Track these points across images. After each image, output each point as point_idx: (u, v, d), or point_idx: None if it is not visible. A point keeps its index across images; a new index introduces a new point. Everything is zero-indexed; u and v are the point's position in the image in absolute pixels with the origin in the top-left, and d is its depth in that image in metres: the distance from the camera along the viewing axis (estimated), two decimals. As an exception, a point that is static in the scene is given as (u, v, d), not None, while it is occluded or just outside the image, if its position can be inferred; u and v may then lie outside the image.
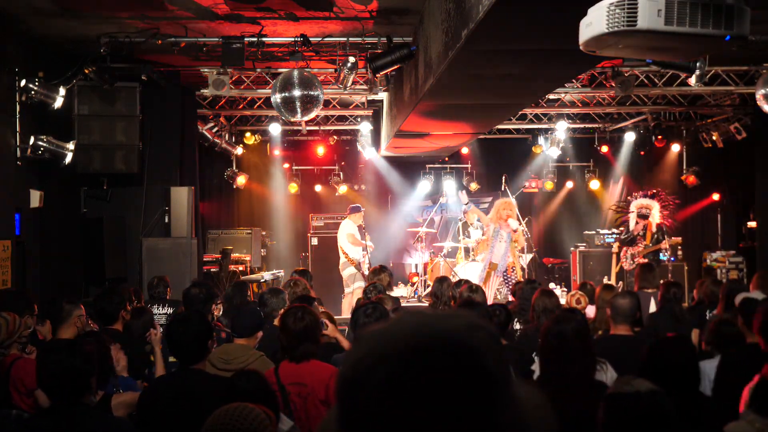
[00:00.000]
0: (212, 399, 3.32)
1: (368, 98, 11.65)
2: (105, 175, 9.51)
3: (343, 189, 14.50)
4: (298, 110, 7.94)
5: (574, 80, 10.82)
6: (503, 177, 13.28)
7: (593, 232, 13.69)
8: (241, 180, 13.81)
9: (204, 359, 3.76)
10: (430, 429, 0.93)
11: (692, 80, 9.43)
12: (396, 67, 7.95)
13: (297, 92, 7.87)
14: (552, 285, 12.23)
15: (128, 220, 9.95)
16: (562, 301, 7.39)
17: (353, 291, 11.18)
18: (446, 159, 14.63)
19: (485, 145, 14.80)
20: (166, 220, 9.93)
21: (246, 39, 8.19)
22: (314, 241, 12.81)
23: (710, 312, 6.27)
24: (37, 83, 8.00)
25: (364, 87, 10.09)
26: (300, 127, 13.26)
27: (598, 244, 13.38)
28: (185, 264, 9.57)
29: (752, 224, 13.02)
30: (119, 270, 9.63)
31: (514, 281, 9.44)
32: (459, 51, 5.62)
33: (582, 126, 14.00)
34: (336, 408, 0.99)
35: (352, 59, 8.38)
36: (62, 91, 8.29)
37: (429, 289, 9.89)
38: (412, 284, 12.97)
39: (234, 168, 13.83)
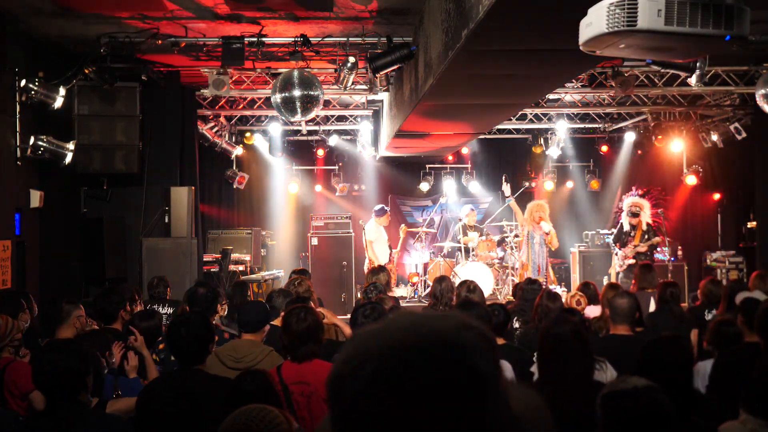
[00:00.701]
0: (212, 399, 3.32)
1: (368, 98, 11.65)
2: (105, 175, 9.51)
3: (343, 189, 14.50)
4: (298, 110, 7.94)
5: (574, 80, 10.81)
6: (503, 177, 13.29)
7: (593, 232, 13.69)
8: (241, 180, 13.81)
9: (204, 360, 3.76)
10: (416, 428, 0.92)
11: (692, 80, 9.42)
12: (396, 67, 7.95)
13: (297, 92, 7.87)
14: (552, 285, 12.24)
15: (128, 220, 9.95)
16: (563, 300, 7.39)
17: None
18: (452, 158, 14.65)
19: (485, 145, 14.80)
20: (166, 220, 9.93)
21: (246, 39, 8.18)
22: (314, 241, 12.80)
23: (710, 312, 6.28)
24: (37, 83, 8.00)
25: (364, 87, 10.09)
26: (300, 127, 13.26)
27: (598, 244, 13.38)
28: (185, 264, 9.57)
29: (752, 224, 13.03)
30: (119, 270, 9.63)
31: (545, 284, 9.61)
32: (459, 51, 5.62)
33: (582, 126, 13.99)
34: (329, 407, 1.00)
35: (352, 59, 8.38)
36: (62, 91, 8.29)
37: (429, 290, 9.90)
38: (412, 284, 12.98)
39: (234, 168, 13.82)
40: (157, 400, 3.61)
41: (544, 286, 9.40)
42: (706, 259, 14.03)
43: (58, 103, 8.27)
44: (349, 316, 5.58)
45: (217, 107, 12.02)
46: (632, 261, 10.63)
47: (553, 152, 13.87)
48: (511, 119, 12.99)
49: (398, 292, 12.27)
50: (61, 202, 9.18)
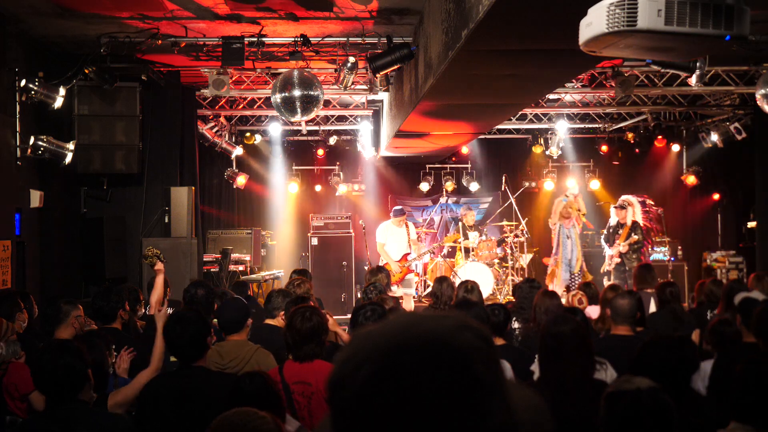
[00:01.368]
0: (214, 396, 3.32)
1: (368, 98, 11.65)
2: (105, 175, 9.51)
3: (342, 189, 14.50)
4: (298, 110, 7.94)
5: (574, 80, 10.82)
6: (503, 177, 13.30)
7: (593, 232, 13.69)
8: (241, 180, 13.79)
9: (204, 356, 3.75)
10: (415, 428, 0.92)
11: (692, 80, 9.42)
12: (396, 67, 7.95)
13: (297, 92, 7.86)
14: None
15: (128, 220, 9.94)
16: (563, 300, 7.38)
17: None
18: (453, 159, 14.65)
19: (485, 145, 14.80)
20: (166, 220, 9.93)
21: (246, 39, 8.18)
22: (314, 241, 12.79)
23: (712, 312, 6.27)
24: (37, 83, 8.00)
25: (364, 87, 10.09)
26: (300, 127, 13.26)
27: (598, 244, 13.37)
28: (185, 264, 9.57)
29: (752, 224, 13.02)
30: (119, 270, 9.63)
31: (579, 281, 9.55)
32: (459, 51, 5.62)
33: (582, 126, 13.99)
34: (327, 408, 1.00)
35: (352, 59, 8.37)
36: (62, 91, 8.28)
37: (429, 289, 9.90)
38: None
39: (234, 168, 13.82)
40: (159, 398, 3.61)
41: (579, 282, 9.48)
42: (706, 259, 14.03)
43: (58, 103, 8.26)
44: (349, 316, 5.57)
45: (217, 107, 12.03)
46: (618, 260, 10.65)
47: (553, 152, 13.86)
48: (511, 119, 12.99)
49: (398, 292, 12.25)
50: (61, 202, 9.18)
